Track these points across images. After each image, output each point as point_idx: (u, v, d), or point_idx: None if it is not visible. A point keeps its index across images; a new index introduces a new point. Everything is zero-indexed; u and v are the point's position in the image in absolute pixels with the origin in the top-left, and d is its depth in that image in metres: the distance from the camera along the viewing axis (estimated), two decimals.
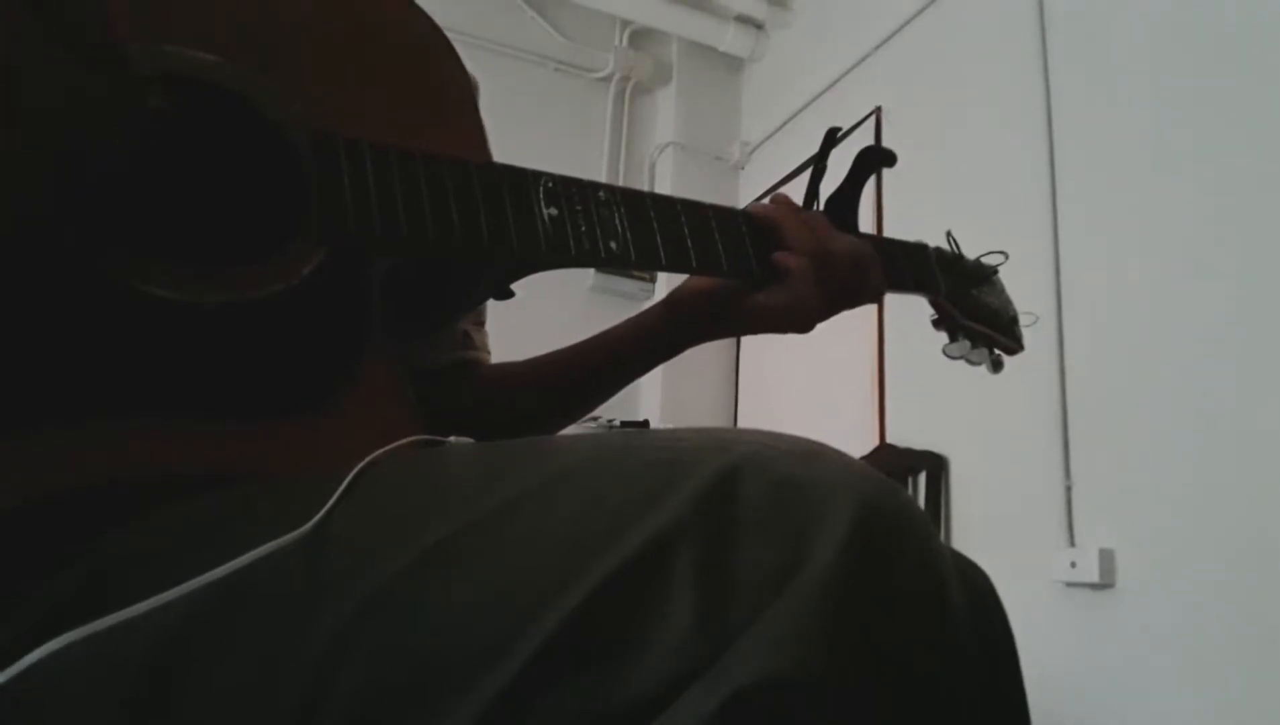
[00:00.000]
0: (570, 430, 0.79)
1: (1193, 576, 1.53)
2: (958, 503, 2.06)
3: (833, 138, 0.73)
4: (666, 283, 2.93)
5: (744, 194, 3.25)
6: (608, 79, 3.33)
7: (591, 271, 3.01)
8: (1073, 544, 1.73)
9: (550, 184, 0.57)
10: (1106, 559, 1.66)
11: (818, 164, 0.72)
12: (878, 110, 2.58)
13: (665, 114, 3.39)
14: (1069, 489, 1.78)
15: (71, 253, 0.43)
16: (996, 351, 0.82)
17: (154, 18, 0.50)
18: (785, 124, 3.09)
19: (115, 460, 0.42)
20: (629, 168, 3.32)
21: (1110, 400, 1.75)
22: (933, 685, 0.32)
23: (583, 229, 0.57)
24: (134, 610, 0.35)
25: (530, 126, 2.89)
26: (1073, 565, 1.69)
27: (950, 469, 2.10)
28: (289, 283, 0.48)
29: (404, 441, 0.44)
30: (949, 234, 0.81)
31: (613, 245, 0.58)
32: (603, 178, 3.13)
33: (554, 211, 0.57)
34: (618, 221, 0.59)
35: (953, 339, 0.80)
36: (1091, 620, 1.69)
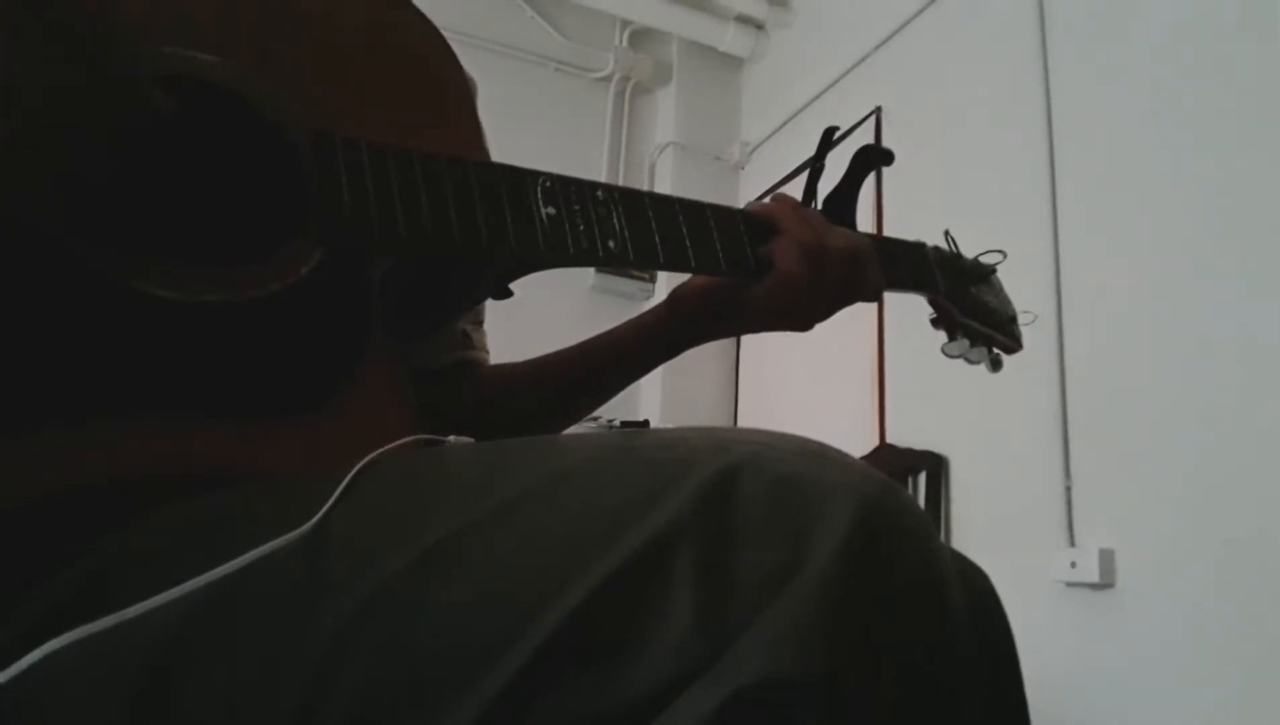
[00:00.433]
0: (570, 430, 0.79)
1: (1193, 576, 1.53)
2: (958, 503, 2.06)
3: (830, 137, 0.73)
4: (667, 283, 2.93)
5: (744, 194, 3.25)
6: (608, 79, 3.33)
7: (591, 271, 3.01)
8: (1073, 544, 1.73)
9: (548, 183, 0.57)
10: (1106, 559, 1.66)
11: (815, 163, 0.72)
12: (878, 110, 2.58)
13: (665, 114, 3.39)
14: (1069, 489, 1.78)
15: (71, 253, 0.43)
16: (995, 350, 0.82)
17: (154, 18, 0.50)
18: (785, 124, 3.09)
19: (115, 460, 0.42)
20: (629, 168, 3.32)
21: (1110, 400, 1.75)
22: (933, 685, 0.32)
23: (581, 228, 0.57)
24: (134, 610, 0.35)
25: (530, 126, 2.89)
26: (1073, 565, 1.69)
27: (950, 469, 2.10)
28: (288, 282, 0.48)
29: (404, 441, 0.44)
30: (947, 233, 0.81)
31: (611, 244, 0.58)
32: (603, 178, 3.13)
33: (552, 211, 0.57)
34: (616, 221, 0.59)
35: (951, 338, 0.80)
36: (1091, 620, 1.69)
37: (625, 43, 3.36)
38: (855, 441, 2.29)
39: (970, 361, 0.81)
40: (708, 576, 0.31)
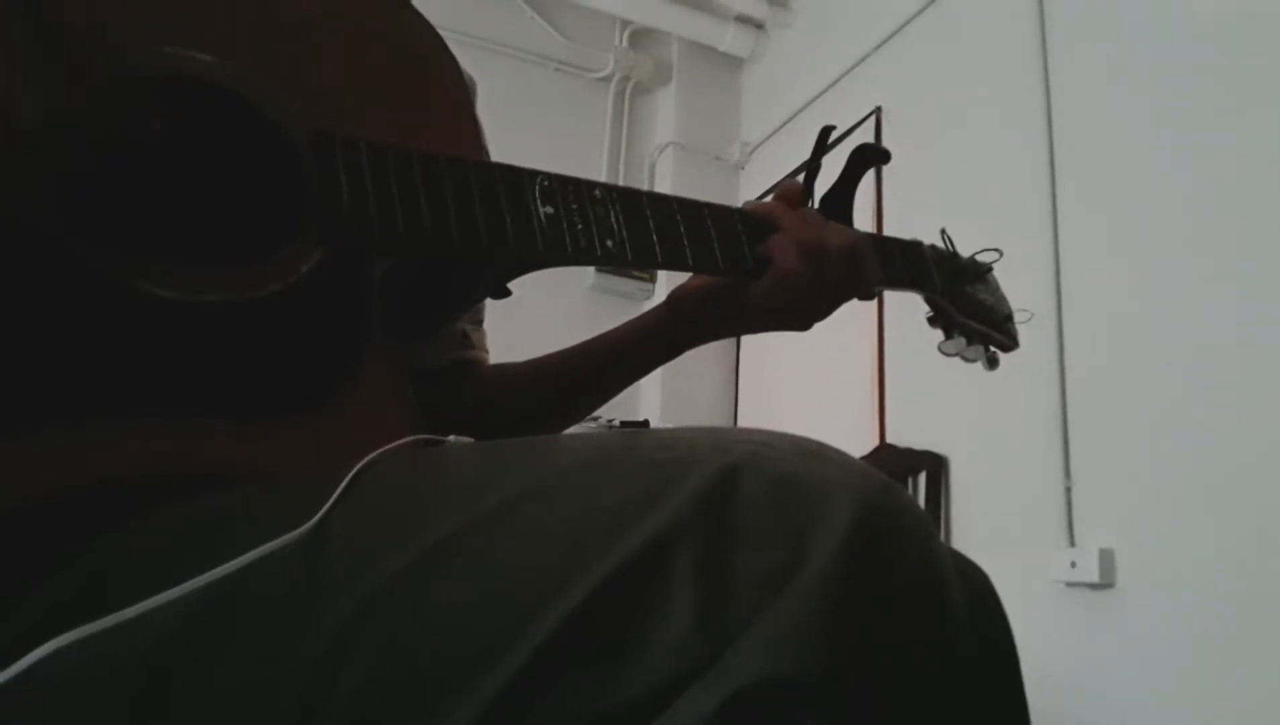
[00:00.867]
0: (569, 430, 0.79)
1: (1193, 576, 1.53)
2: (958, 503, 2.06)
3: (826, 137, 0.73)
4: (666, 283, 2.93)
5: (744, 194, 3.25)
6: (608, 79, 3.33)
7: (591, 271, 3.01)
8: (1073, 544, 1.73)
9: (546, 182, 0.58)
10: (1106, 559, 1.66)
11: (812, 162, 0.72)
12: (878, 110, 2.58)
13: (665, 114, 3.39)
14: (1069, 489, 1.78)
15: (72, 253, 0.43)
16: (992, 348, 0.83)
17: (153, 18, 0.50)
18: (785, 124, 3.09)
19: (115, 460, 0.42)
20: (629, 168, 3.32)
21: (1110, 400, 1.75)
22: (933, 685, 0.32)
23: (579, 227, 0.57)
24: (134, 610, 0.35)
25: (530, 126, 2.89)
26: (1073, 565, 1.69)
27: (950, 469, 2.10)
28: (287, 282, 0.48)
29: (404, 441, 0.44)
30: (943, 231, 0.82)
31: (609, 243, 0.58)
32: (603, 178, 3.13)
33: (550, 210, 0.57)
34: (614, 220, 0.59)
35: (948, 336, 0.80)
36: (1091, 620, 1.69)
37: (625, 43, 3.36)
38: (855, 441, 2.29)
39: (967, 359, 0.81)
40: (708, 576, 0.31)
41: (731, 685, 0.29)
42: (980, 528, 2.00)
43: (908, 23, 2.52)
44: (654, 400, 2.99)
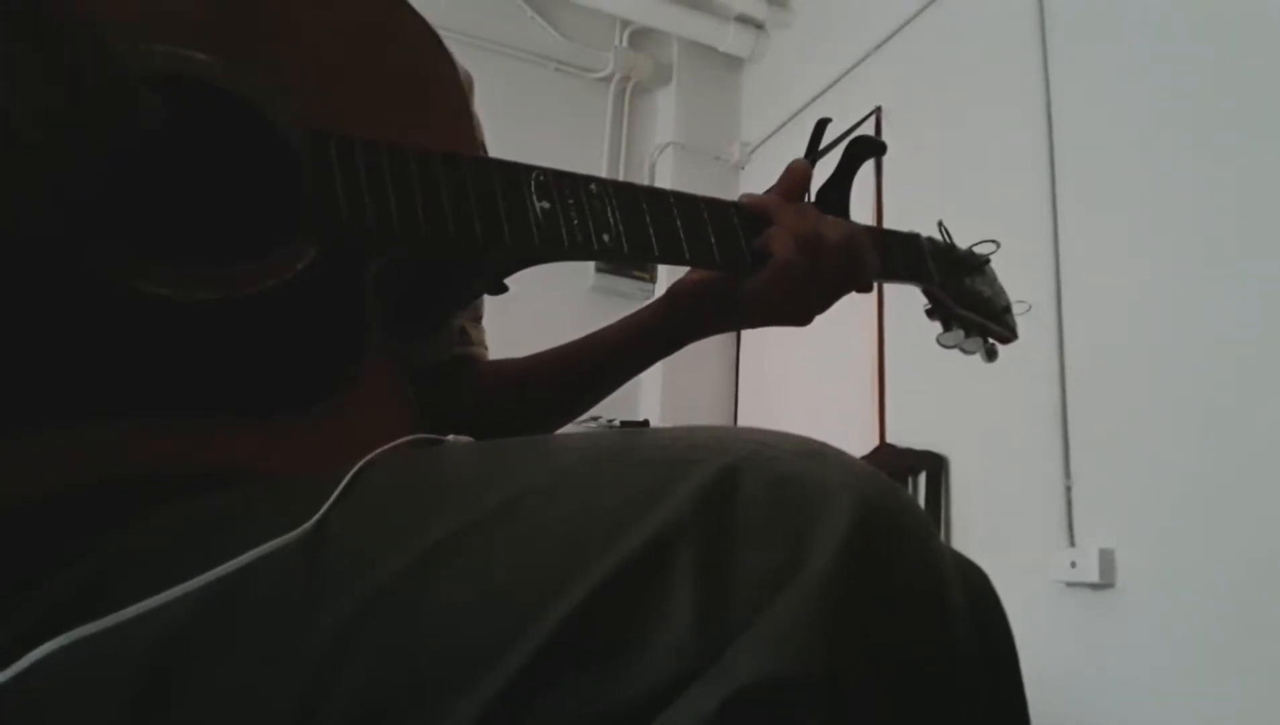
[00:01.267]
0: (569, 429, 0.79)
1: (1193, 576, 1.53)
2: (958, 503, 2.06)
3: (821, 130, 0.73)
4: (666, 282, 2.93)
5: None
6: (608, 79, 3.33)
7: (591, 271, 3.01)
8: (1073, 544, 1.73)
9: (542, 177, 0.58)
10: (1106, 559, 1.66)
11: (809, 156, 0.72)
12: (878, 110, 2.58)
13: (665, 114, 3.39)
14: (1069, 489, 1.78)
15: (71, 252, 0.43)
16: (991, 340, 0.83)
17: (150, 18, 0.50)
18: (785, 124, 3.09)
19: (115, 459, 0.42)
20: (629, 168, 3.32)
21: (1110, 400, 1.75)
22: (933, 685, 0.32)
23: (575, 222, 0.57)
24: (134, 610, 0.35)
25: (530, 126, 2.89)
26: (1073, 565, 1.69)
27: (950, 469, 2.10)
28: (284, 280, 0.48)
29: (403, 440, 0.44)
30: (940, 224, 0.82)
31: (605, 238, 0.58)
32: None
33: (546, 205, 0.57)
34: (610, 214, 0.59)
35: (947, 328, 0.80)
36: (1091, 620, 1.69)
37: (625, 43, 3.36)
38: (855, 441, 2.29)
39: (965, 351, 0.81)
40: (708, 576, 0.31)
41: (732, 685, 0.29)
42: (980, 528, 2.00)
43: (908, 23, 2.52)
44: (654, 399, 2.99)
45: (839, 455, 0.36)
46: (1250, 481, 1.47)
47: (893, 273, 0.75)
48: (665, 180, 3.22)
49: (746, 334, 3.07)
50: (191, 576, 0.36)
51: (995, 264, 0.84)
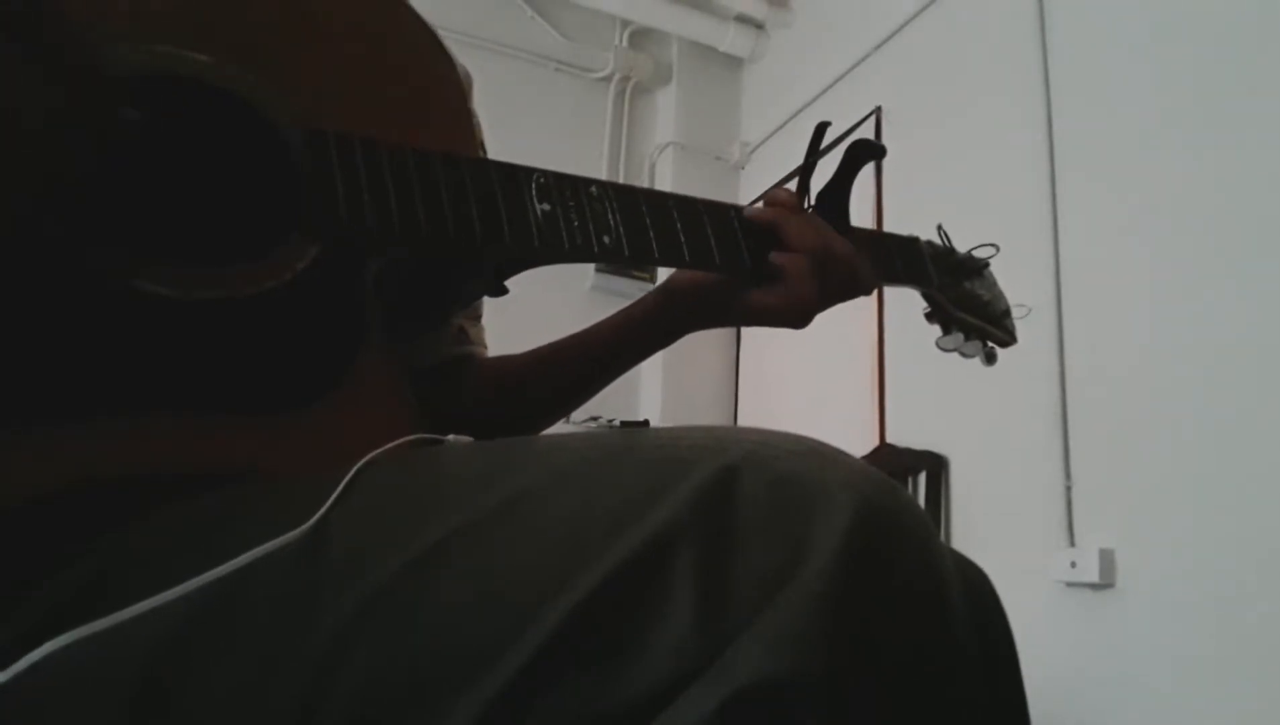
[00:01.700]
0: (569, 429, 0.80)
1: (1193, 576, 1.53)
2: (958, 503, 2.06)
3: (821, 133, 0.73)
4: None
5: (744, 194, 3.25)
6: (608, 79, 3.33)
7: (591, 272, 3.01)
8: (1073, 544, 1.73)
9: (542, 180, 0.58)
10: (1106, 559, 1.66)
11: (808, 160, 0.72)
12: (878, 110, 2.58)
13: (665, 114, 3.39)
14: (1069, 489, 1.78)
15: (71, 252, 0.43)
16: (990, 344, 0.83)
17: (149, 18, 0.50)
18: (785, 124, 3.09)
19: (115, 459, 0.42)
20: (629, 168, 3.32)
21: (1110, 400, 1.75)
22: (933, 685, 0.32)
23: (575, 224, 0.57)
24: (134, 610, 0.35)
25: (530, 126, 2.89)
26: (1073, 565, 1.69)
27: (950, 469, 2.10)
28: (284, 280, 0.48)
29: (403, 440, 0.44)
30: (940, 227, 0.82)
31: (605, 240, 0.58)
32: (603, 178, 3.13)
33: (546, 207, 0.57)
34: (610, 216, 0.59)
35: (946, 332, 0.80)
36: (1091, 620, 1.69)
37: (625, 43, 3.36)
38: (855, 441, 2.29)
39: (965, 355, 0.82)
40: (707, 576, 0.31)
41: (732, 685, 0.29)
42: (980, 528, 2.00)
43: (908, 23, 2.52)
44: (654, 399, 2.99)
45: (839, 455, 0.36)
46: (1250, 481, 1.47)
47: (892, 276, 0.75)
48: (665, 180, 3.23)
49: (746, 333, 3.07)
50: (191, 576, 0.36)
51: (995, 264, 0.84)
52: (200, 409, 0.45)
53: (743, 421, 2.98)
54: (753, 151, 3.31)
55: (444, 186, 0.53)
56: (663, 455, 0.35)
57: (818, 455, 0.35)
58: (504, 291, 0.62)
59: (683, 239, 0.62)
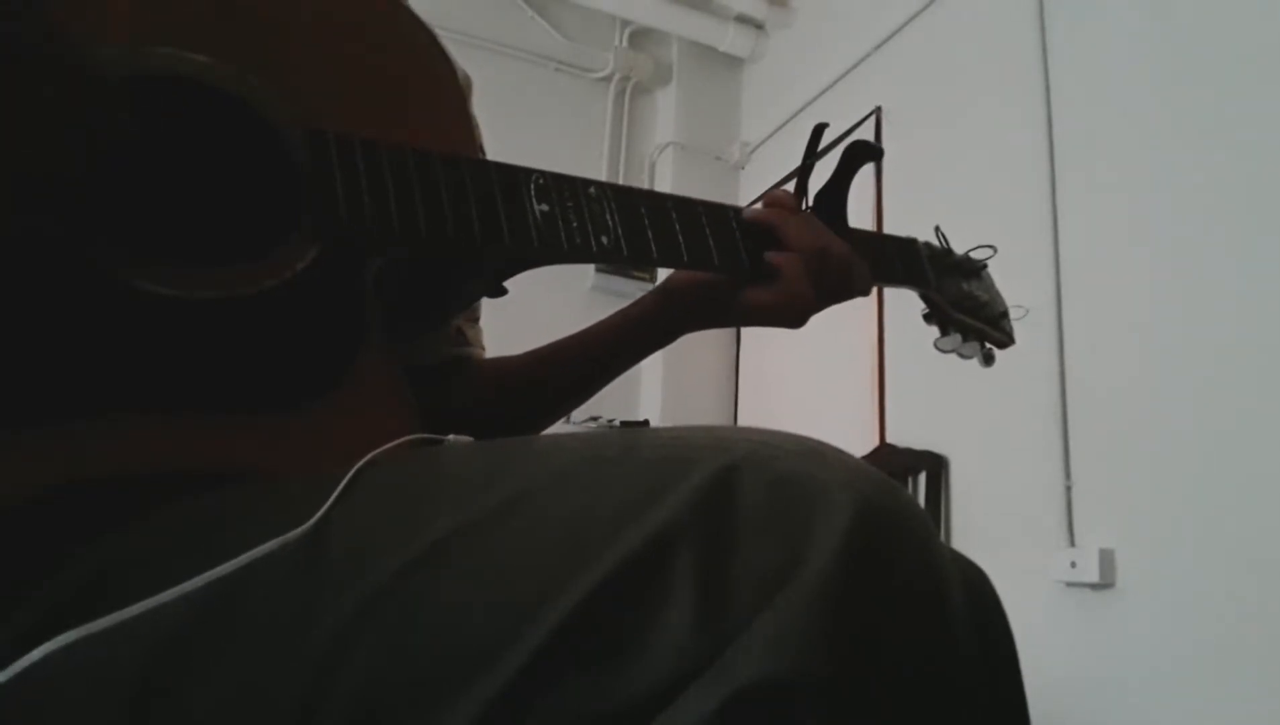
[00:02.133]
0: (569, 429, 0.80)
1: (1193, 576, 1.53)
2: (958, 503, 2.06)
3: (819, 134, 0.74)
4: None
5: (744, 194, 3.25)
6: (608, 79, 3.33)
7: (591, 272, 3.01)
8: (1073, 544, 1.73)
9: (541, 180, 0.58)
10: (1106, 559, 1.66)
11: (805, 161, 0.73)
12: (878, 110, 2.58)
13: (665, 114, 3.39)
14: (1069, 489, 1.78)
15: (71, 252, 0.43)
16: (988, 345, 0.83)
17: (148, 19, 0.50)
18: (785, 124, 3.09)
19: (114, 458, 0.42)
20: (629, 168, 3.32)
21: (1110, 400, 1.75)
22: (933, 685, 0.32)
23: (574, 224, 0.58)
24: (134, 610, 0.35)
25: (530, 126, 2.89)
26: (1073, 565, 1.69)
27: (950, 469, 2.10)
28: (283, 279, 0.48)
29: (403, 440, 0.44)
30: (937, 228, 0.82)
31: (604, 240, 0.59)
32: (603, 178, 3.13)
33: (545, 207, 0.57)
34: (609, 217, 0.59)
35: (944, 333, 0.81)
36: (1091, 620, 1.69)
37: (625, 43, 3.36)
38: (855, 441, 2.29)
39: (963, 356, 0.82)
40: (707, 576, 0.31)
41: (732, 685, 0.29)
42: (980, 528, 2.00)
43: (908, 23, 2.52)
44: (654, 399, 2.99)
45: (839, 455, 0.36)
46: (1250, 481, 1.47)
47: (890, 277, 0.75)
48: (665, 180, 3.23)
49: (746, 334, 3.08)
50: (191, 576, 0.36)
51: (995, 264, 0.84)
52: (200, 409, 0.45)
53: (743, 421, 2.98)
54: (753, 151, 3.31)
55: (443, 187, 0.53)
56: (663, 455, 0.35)
57: (818, 455, 0.35)
58: (503, 292, 0.63)
59: (681, 239, 0.63)
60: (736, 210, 0.67)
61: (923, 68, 2.47)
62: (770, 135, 3.19)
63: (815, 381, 2.66)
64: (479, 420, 0.71)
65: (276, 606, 0.36)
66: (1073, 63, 1.98)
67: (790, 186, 0.72)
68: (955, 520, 2.05)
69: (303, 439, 0.47)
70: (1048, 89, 2.01)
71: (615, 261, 0.60)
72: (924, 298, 0.80)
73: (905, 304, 0.84)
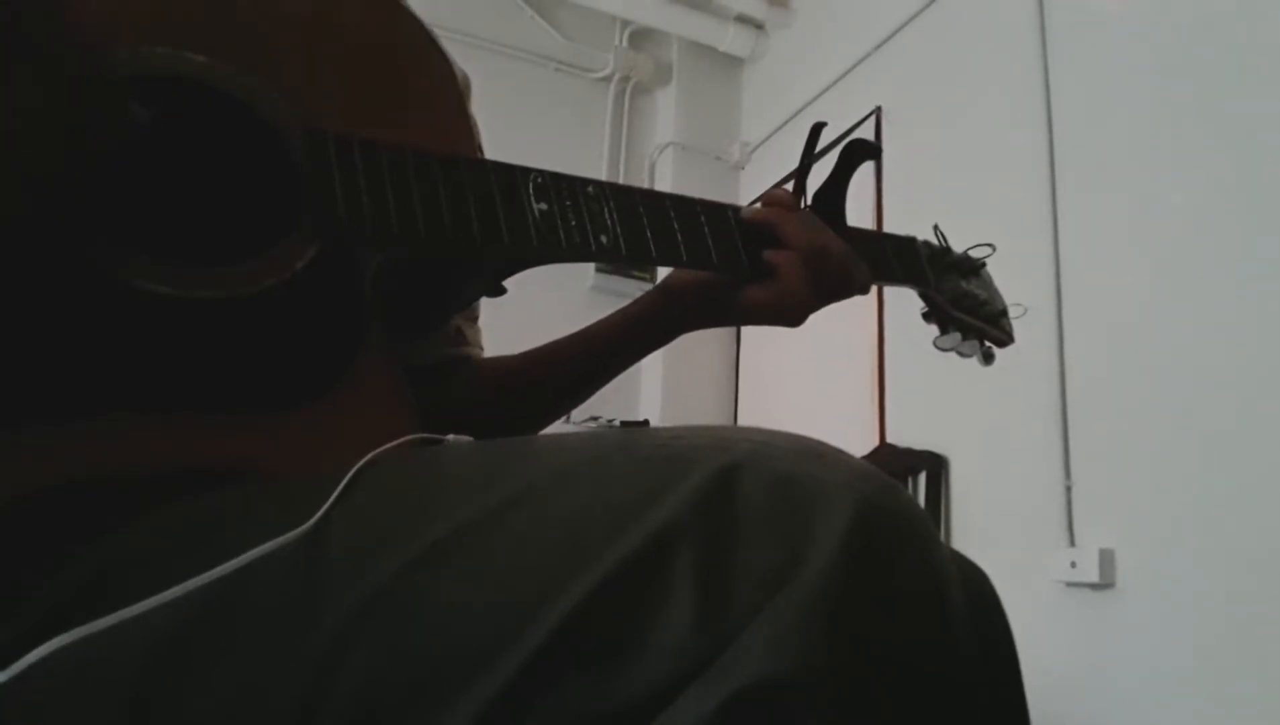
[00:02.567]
0: (569, 429, 0.80)
1: (1193, 576, 1.53)
2: (958, 503, 2.06)
3: (817, 133, 0.74)
4: None
5: (744, 194, 3.25)
6: (608, 79, 3.33)
7: (591, 272, 3.01)
8: (1073, 544, 1.73)
9: (539, 179, 0.58)
10: (1106, 559, 1.66)
11: (804, 161, 0.73)
12: (878, 110, 2.58)
13: (665, 114, 3.39)
14: (1069, 489, 1.78)
15: (70, 252, 0.43)
16: (987, 343, 0.83)
17: (147, 19, 0.50)
18: (785, 124, 3.09)
19: (113, 458, 0.42)
20: (629, 168, 3.32)
21: (1110, 400, 1.75)
22: (932, 685, 0.32)
23: (573, 223, 0.58)
24: (134, 610, 0.35)
25: (530, 126, 2.89)
26: (1073, 565, 1.69)
27: (950, 469, 2.10)
28: (282, 279, 0.48)
29: (402, 440, 0.44)
30: (936, 227, 0.82)
31: (603, 239, 0.59)
32: (603, 178, 3.12)
33: (544, 207, 0.57)
34: (607, 216, 0.60)
35: (943, 331, 0.81)
36: (1091, 620, 1.69)
37: (625, 43, 3.36)
38: (855, 441, 2.29)
39: (962, 355, 0.82)
40: (707, 576, 0.31)
41: (732, 685, 0.29)
42: (980, 528, 2.00)
43: (908, 23, 2.52)
44: (654, 399, 2.99)
45: (839, 455, 0.36)
46: (1250, 481, 1.47)
47: (888, 275, 0.75)
48: (665, 180, 3.23)
49: (746, 333, 3.08)
50: (191, 576, 0.36)
51: (995, 264, 0.84)
52: (200, 408, 0.45)
53: (743, 421, 2.98)
54: (753, 151, 3.31)
55: (442, 186, 0.53)
56: (663, 455, 0.35)
57: (818, 455, 0.35)
58: (502, 291, 0.63)
59: (680, 238, 0.63)
60: (735, 209, 0.67)
61: (923, 68, 2.46)
62: (770, 135, 3.19)
63: (815, 381, 2.66)
64: (479, 420, 0.71)
65: (276, 606, 0.36)
66: (1073, 63, 1.98)
67: (789, 186, 0.72)
68: (955, 520, 2.05)
69: (303, 439, 0.47)
70: (1048, 89, 2.01)
71: (614, 261, 0.60)
72: (923, 296, 0.80)
73: (905, 303, 0.84)
